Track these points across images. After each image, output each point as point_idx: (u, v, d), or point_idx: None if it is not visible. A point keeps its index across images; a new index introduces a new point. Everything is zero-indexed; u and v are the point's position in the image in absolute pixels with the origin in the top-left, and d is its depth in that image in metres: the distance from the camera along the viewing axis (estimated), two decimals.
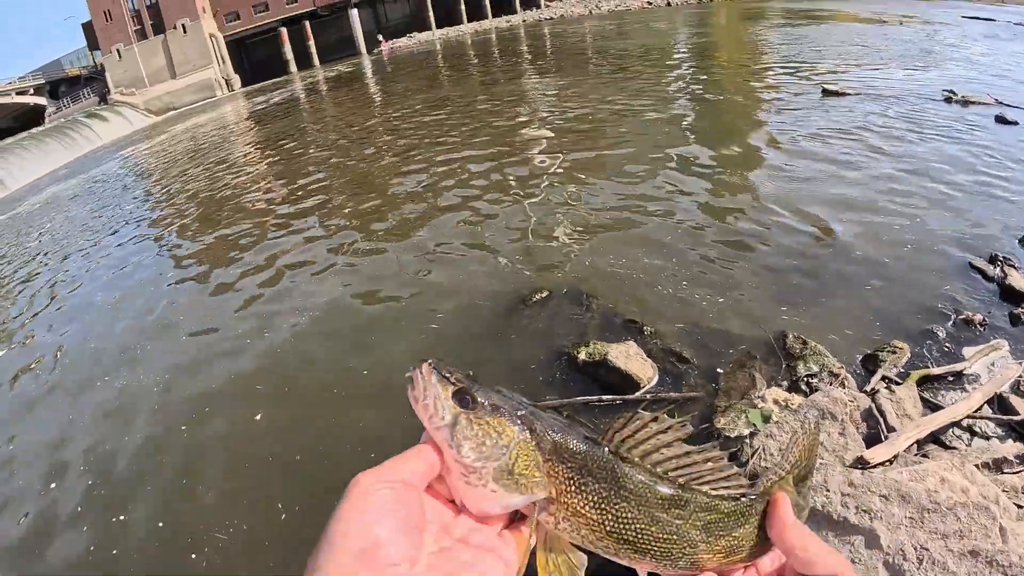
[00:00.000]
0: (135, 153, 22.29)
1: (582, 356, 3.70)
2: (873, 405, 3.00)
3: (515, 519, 0.60)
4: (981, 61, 11.17)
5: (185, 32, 49.06)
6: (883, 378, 3.25)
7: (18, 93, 49.01)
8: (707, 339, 3.78)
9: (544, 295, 4.53)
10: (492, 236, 5.80)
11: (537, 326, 4.23)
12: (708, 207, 5.64)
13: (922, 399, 3.11)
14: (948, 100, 8.50)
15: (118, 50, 50.07)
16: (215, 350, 4.97)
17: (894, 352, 3.41)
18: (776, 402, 3.23)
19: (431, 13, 53.78)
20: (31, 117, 47.23)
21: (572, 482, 0.60)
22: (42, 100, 49.45)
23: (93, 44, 53.70)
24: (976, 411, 2.94)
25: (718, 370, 3.53)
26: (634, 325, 4.00)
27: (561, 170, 7.16)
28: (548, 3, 56.00)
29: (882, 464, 2.67)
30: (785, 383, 3.37)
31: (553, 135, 8.76)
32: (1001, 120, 7.13)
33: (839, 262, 4.39)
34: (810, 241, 4.73)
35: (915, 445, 2.81)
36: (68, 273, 8.66)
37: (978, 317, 3.61)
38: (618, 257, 4.90)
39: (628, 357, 3.58)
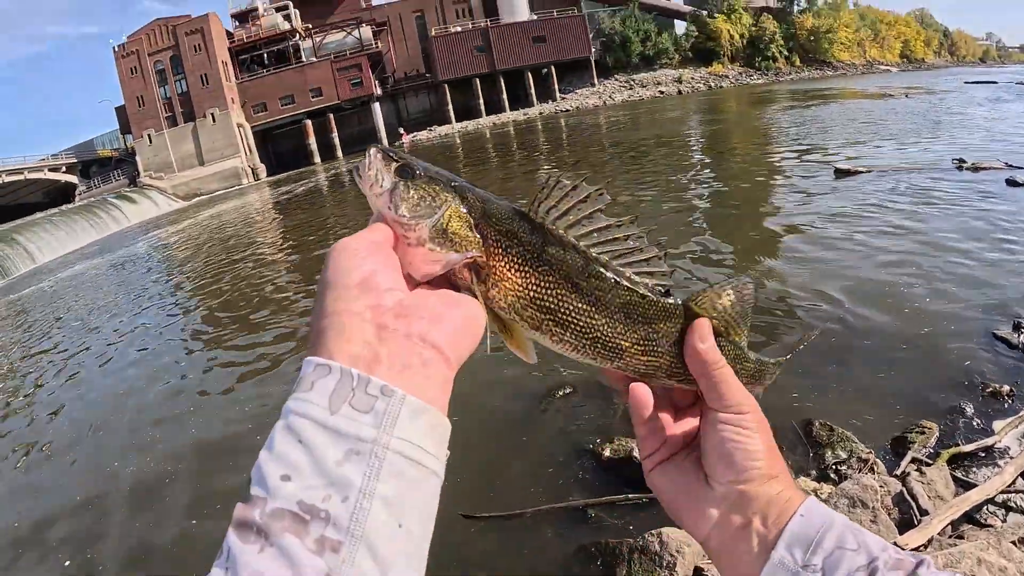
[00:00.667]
0: (161, 236, 23.16)
1: (607, 453, 3.71)
2: (904, 489, 2.94)
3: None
4: (988, 125, 11.37)
5: (214, 121, 51.56)
6: (913, 460, 3.20)
7: (51, 170, 51.81)
8: None
9: (568, 391, 4.59)
10: None
11: (560, 423, 4.26)
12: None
13: (954, 478, 3.04)
14: (959, 168, 8.64)
15: (149, 135, 52.65)
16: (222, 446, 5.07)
17: (922, 432, 3.36)
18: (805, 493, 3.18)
19: (450, 107, 56.50)
20: (62, 194, 49.77)
21: (499, 245, 0.63)
22: (73, 178, 52.28)
23: (125, 128, 56.22)
24: (1010, 485, 2.87)
25: None
26: None
27: None
28: (563, 96, 58.69)
29: (916, 549, 2.60)
30: (813, 472, 3.33)
31: None
32: (1012, 183, 7.21)
33: (861, 342, 4.39)
34: (830, 322, 4.75)
35: (949, 526, 2.74)
36: (88, 350, 9.07)
37: (1005, 388, 3.56)
38: None
39: None
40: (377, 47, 58.49)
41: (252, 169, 51.76)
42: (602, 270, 0.65)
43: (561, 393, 4.58)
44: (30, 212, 38.66)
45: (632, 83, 60.55)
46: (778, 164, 11.41)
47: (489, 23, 58.13)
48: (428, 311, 0.53)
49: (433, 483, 0.48)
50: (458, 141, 37.95)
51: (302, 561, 0.40)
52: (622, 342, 0.65)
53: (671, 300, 0.68)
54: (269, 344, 7.32)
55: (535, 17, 59.69)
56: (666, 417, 0.71)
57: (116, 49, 54.11)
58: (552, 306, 0.63)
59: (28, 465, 5.76)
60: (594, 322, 0.64)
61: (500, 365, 5.29)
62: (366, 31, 58.30)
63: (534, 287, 0.63)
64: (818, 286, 5.43)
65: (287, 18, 58.09)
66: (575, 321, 0.64)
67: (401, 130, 52.66)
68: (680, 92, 57.18)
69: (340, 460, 0.44)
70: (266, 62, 57.47)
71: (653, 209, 9.21)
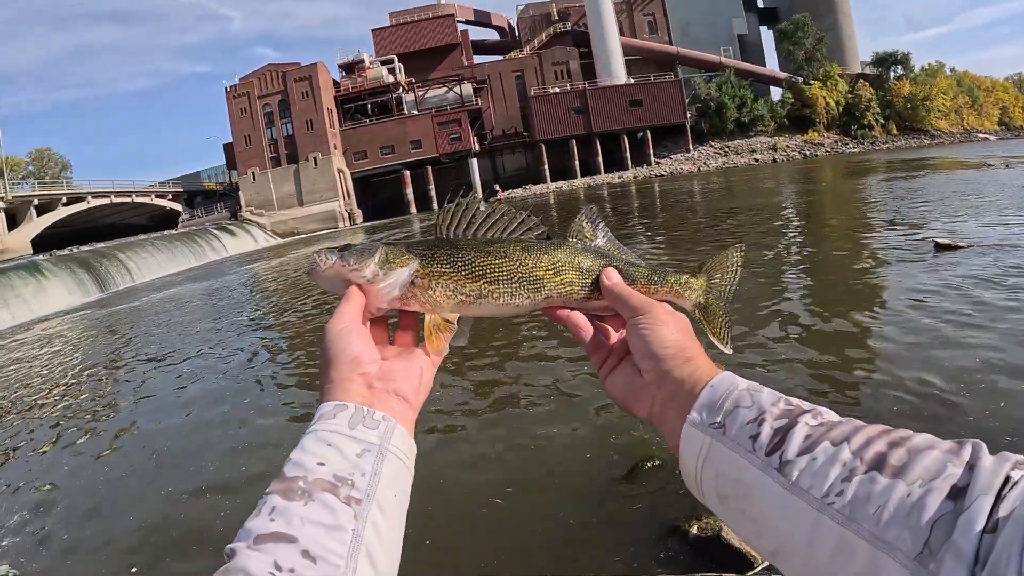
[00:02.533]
0: (257, 270, 24.13)
1: (694, 531, 3.68)
2: None
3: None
4: None
5: (316, 165, 54.00)
6: None
7: (158, 196, 55.65)
8: None
9: (656, 463, 4.58)
10: (586, 397, 5.95)
11: (644, 498, 4.24)
12: (820, 375, 5.58)
13: None
14: None
15: (253, 173, 55.54)
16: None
17: None
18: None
19: (546, 166, 57.36)
20: (166, 220, 53.06)
21: (428, 256, 0.84)
22: (178, 206, 55.77)
23: (231, 163, 59.61)
24: None
25: None
26: None
27: None
28: (658, 160, 58.75)
29: None
30: None
31: None
32: None
33: (966, 433, 4.16)
34: (932, 409, 4.55)
35: None
36: (174, 367, 9.77)
37: None
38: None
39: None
40: (477, 104, 60.72)
41: (349, 213, 53.76)
42: (501, 238, 0.88)
43: (648, 465, 4.57)
44: (134, 234, 41.18)
45: (727, 149, 60.19)
46: (876, 237, 11.03)
47: (587, 86, 59.48)
48: (398, 373, 0.77)
49: (409, 476, 0.70)
50: (552, 200, 38.47)
51: (337, 508, 0.61)
52: (538, 273, 0.86)
53: (562, 240, 0.91)
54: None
55: (632, 81, 60.55)
56: (604, 335, 0.90)
57: (228, 90, 58.33)
58: (480, 272, 0.84)
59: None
60: (513, 267, 0.85)
61: (585, 432, 5.34)
62: (467, 88, 60.75)
63: (464, 268, 0.84)
64: (918, 370, 5.20)
65: (392, 71, 61.30)
66: (500, 275, 0.84)
67: (496, 187, 53.69)
68: (775, 160, 56.25)
69: (359, 453, 0.66)
70: (369, 112, 60.64)
71: (745, 279, 9.06)
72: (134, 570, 4.44)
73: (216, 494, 5.40)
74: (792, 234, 12.57)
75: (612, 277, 0.89)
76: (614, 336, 0.90)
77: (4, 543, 5.44)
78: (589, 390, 6.16)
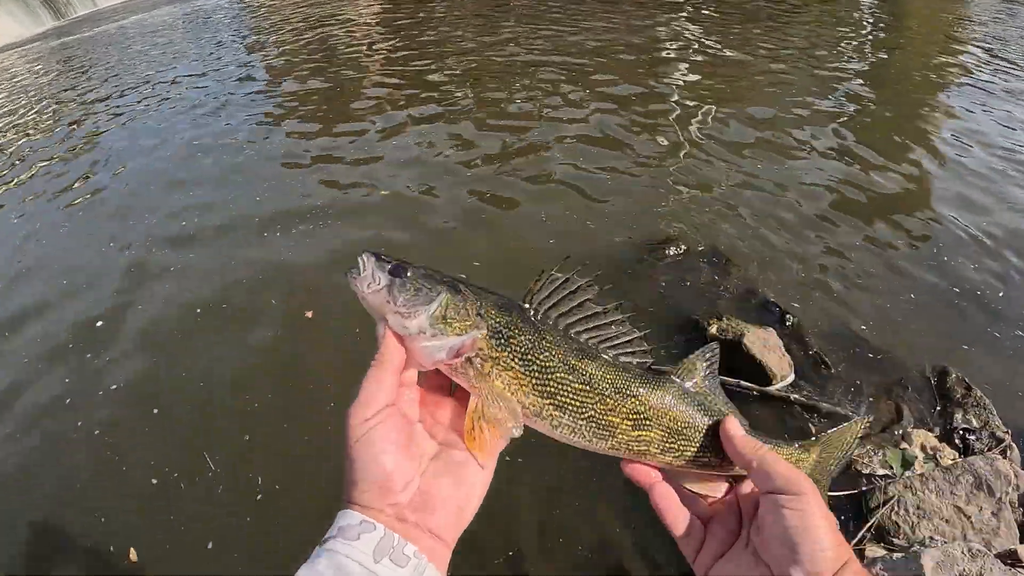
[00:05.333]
0: None
1: (713, 330, 3.41)
2: None
3: None
4: None
5: None
6: None
7: None
8: (855, 351, 3.40)
9: (680, 250, 4.17)
10: (627, 169, 5.35)
11: (666, 282, 3.92)
12: (877, 205, 4.89)
13: None
14: None
15: None
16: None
17: None
18: (923, 448, 2.88)
19: None
20: None
21: (500, 336, 0.69)
22: None
23: None
24: None
25: (861, 386, 3.18)
26: (775, 309, 3.64)
27: (707, 120, 6.43)
28: None
29: None
30: (937, 430, 3.01)
31: (698, 79, 7.85)
32: None
33: None
34: (998, 268, 4.11)
35: None
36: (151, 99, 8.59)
37: None
38: (768, 232, 4.44)
39: (766, 346, 3.26)
40: None
41: None
42: (594, 353, 0.73)
43: (672, 251, 4.17)
44: None
45: None
46: (966, 59, 9.50)
47: None
48: (438, 502, 0.66)
49: None
50: None
51: None
52: (613, 418, 0.71)
53: (651, 374, 0.75)
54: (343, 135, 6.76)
55: None
56: (697, 513, 0.74)
57: None
58: (553, 389, 0.69)
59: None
60: (587, 401, 0.70)
61: (607, 207, 4.85)
62: None
63: (536, 375, 0.69)
64: (990, 222, 4.63)
65: None
66: (572, 402, 0.70)
67: None
68: None
69: None
70: None
71: (803, 75, 7.87)
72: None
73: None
74: (865, 32, 10.75)
75: (736, 430, 0.72)
76: (710, 519, 0.75)
77: None
78: (605, 174, 5.53)
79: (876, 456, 2.86)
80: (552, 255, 4.18)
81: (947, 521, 2.51)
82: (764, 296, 3.76)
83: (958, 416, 3.05)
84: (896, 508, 2.61)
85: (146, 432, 3.15)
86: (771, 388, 3.13)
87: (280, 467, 2.88)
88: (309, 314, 3.80)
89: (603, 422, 0.71)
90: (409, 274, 0.70)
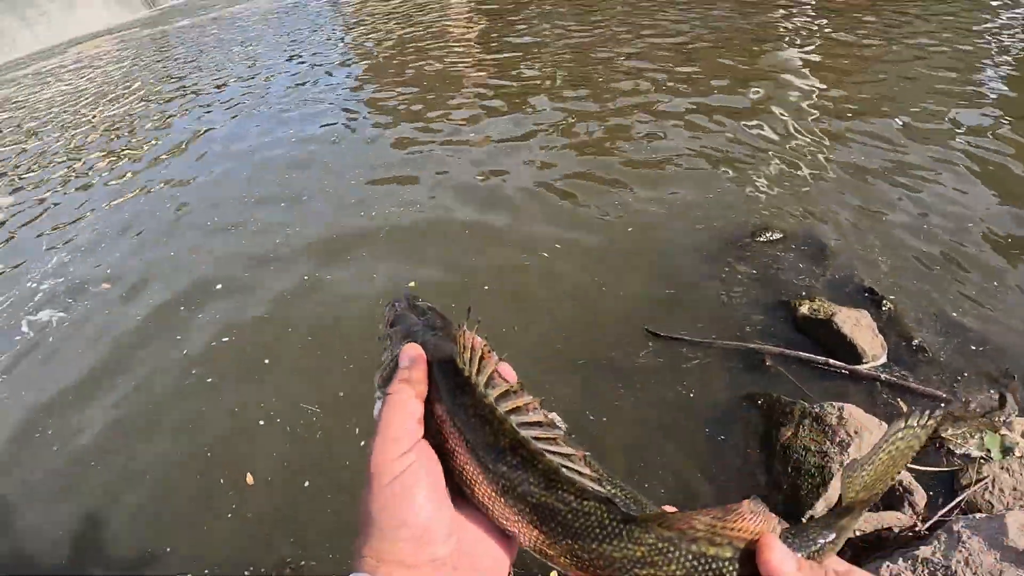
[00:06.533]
0: None
1: (804, 310, 3.44)
2: None
3: None
4: None
5: None
6: None
7: None
8: (955, 337, 3.32)
9: (777, 236, 4.20)
10: (729, 155, 5.38)
11: (759, 265, 3.96)
12: (993, 193, 4.67)
13: None
14: None
15: None
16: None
17: None
18: None
19: None
20: None
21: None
22: None
23: None
24: None
25: (958, 376, 3.12)
26: (871, 295, 3.62)
27: (818, 105, 6.31)
28: None
29: None
30: None
31: (812, 64, 7.65)
32: None
33: None
34: None
35: None
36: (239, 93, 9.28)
37: None
38: (869, 219, 4.36)
39: (857, 325, 3.26)
40: None
41: None
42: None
43: (767, 237, 4.20)
44: None
45: None
46: None
47: None
48: (478, 552, 0.56)
49: None
50: None
51: None
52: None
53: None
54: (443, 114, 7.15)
55: None
56: None
57: None
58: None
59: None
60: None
61: (707, 192, 4.92)
62: None
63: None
64: None
65: None
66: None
67: None
68: None
69: None
70: None
71: (927, 61, 7.46)
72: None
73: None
74: (1012, 23, 9.94)
75: (777, 551, 0.51)
76: None
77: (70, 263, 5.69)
78: (704, 156, 5.57)
79: (972, 439, 2.83)
80: (641, 245, 4.35)
81: None
82: (860, 283, 3.73)
83: None
84: (991, 488, 2.59)
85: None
86: (861, 367, 3.13)
87: None
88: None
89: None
90: (392, 329, 0.67)
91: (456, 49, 10.01)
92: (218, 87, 10.03)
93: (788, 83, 6.88)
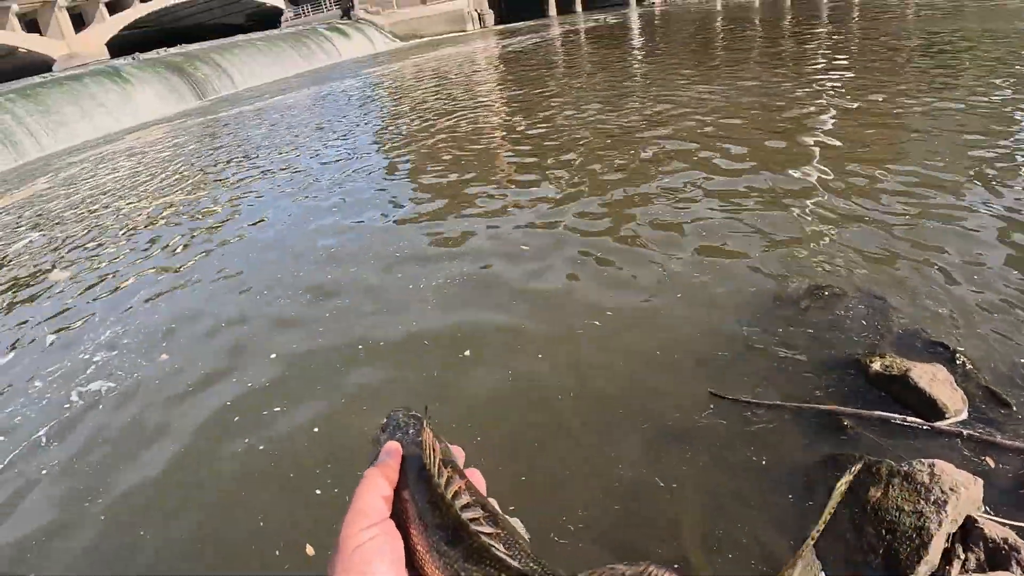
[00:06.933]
0: (375, 75, 22.07)
1: (876, 367, 3.33)
2: None
3: None
4: None
5: None
6: None
7: None
8: None
9: (835, 291, 4.14)
10: (768, 218, 5.41)
11: (821, 324, 3.88)
12: None
13: None
14: None
15: None
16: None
17: None
18: None
19: None
20: (266, 19, 46.25)
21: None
22: (280, 3, 48.10)
23: None
24: None
25: None
26: (942, 349, 3.49)
27: (838, 166, 6.34)
28: None
29: None
30: None
31: (834, 125, 7.76)
32: None
33: None
34: None
35: None
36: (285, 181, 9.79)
37: None
38: (927, 269, 4.29)
39: (934, 380, 3.14)
40: None
41: (479, 14, 45.36)
42: None
43: (827, 293, 4.14)
44: (227, 35, 35.83)
45: None
46: None
47: None
48: None
49: None
50: (719, 7, 33.05)
51: None
52: None
53: None
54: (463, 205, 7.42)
55: None
56: None
57: None
58: None
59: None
60: None
61: (756, 255, 4.92)
62: None
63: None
64: None
65: None
66: None
67: None
68: None
69: None
70: None
71: (952, 124, 7.49)
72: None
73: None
74: None
75: None
76: None
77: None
78: (758, 218, 5.61)
79: None
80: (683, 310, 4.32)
81: None
82: (928, 336, 3.62)
83: None
84: None
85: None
86: (941, 423, 2.99)
87: None
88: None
89: None
90: (383, 434, 0.77)
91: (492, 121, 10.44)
92: (266, 171, 10.60)
93: (825, 135, 6.98)
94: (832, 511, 0.89)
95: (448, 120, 12.35)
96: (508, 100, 13.42)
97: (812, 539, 1.04)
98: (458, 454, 0.75)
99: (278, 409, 4.07)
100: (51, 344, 5.73)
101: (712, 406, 3.32)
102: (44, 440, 4.30)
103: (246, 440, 3.84)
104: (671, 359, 3.81)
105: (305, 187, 9.20)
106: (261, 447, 3.76)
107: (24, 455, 4.18)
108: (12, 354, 5.71)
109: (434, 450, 0.69)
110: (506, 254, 5.68)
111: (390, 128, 12.62)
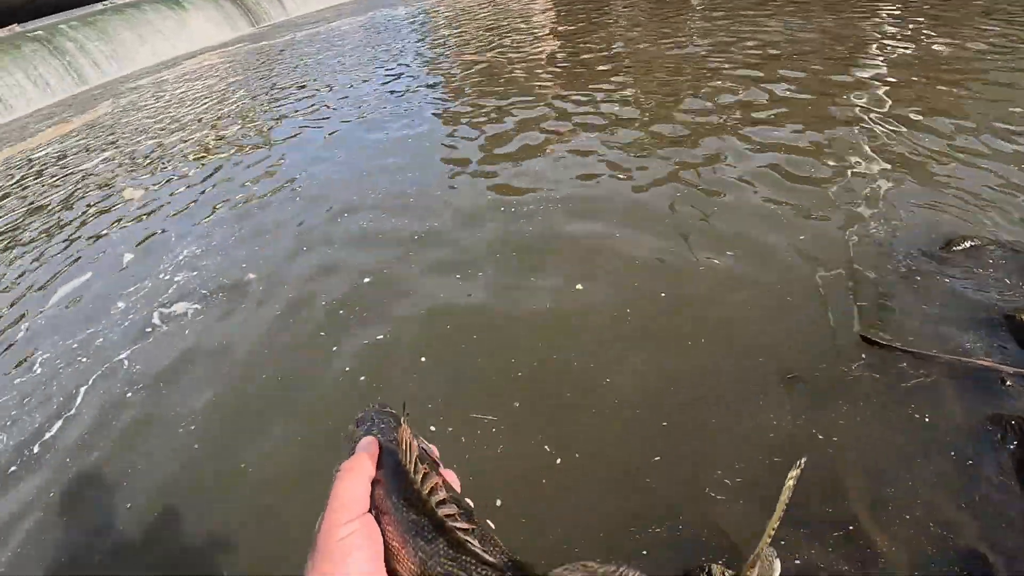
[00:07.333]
0: (433, 2, 21.14)
1: None
2: None
3: None
4: None
5: None
6: None
7: None
8: None
9: (975, 243, 3.83)
10: (903, 153, 5.02)
11: (962, 274, 3.62)
12: None
13: None
14: None
15: None
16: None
17: None
18: None
19: None
20: None
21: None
22: None
23: None
24: None
25: None
26: None
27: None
28: None
29: None
30: None
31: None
32: None
33: None
34: None
35: None
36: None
37: None
38: None
39: None
40: None
41: None
42: None
43: (967, 244, 3.84)
44: None
45: None
46: None
47: None
48: None
49: None
50: None
51: None
52: None
53: None
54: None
55: None
56: None
57: None
58: None
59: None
60: None
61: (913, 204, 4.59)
62: None
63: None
64: None
65: None
66: None
67: None
68: None
69: None
70: None
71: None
72: None
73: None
74: None
75: None
76: None
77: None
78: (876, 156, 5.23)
79: None
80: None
81: None
82: None
83: None
84: None
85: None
86: None
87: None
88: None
89: None
90: (358, 429, 0.80)
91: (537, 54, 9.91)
92: (324, 98, 10.36)
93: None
94: (785, 505, 1.10)
95: (500, 40, 11.82)
96: (572, 32, 12.65)
97: (768, 536, 1.22)
98: (433, 453, 0.77)
99: (380, 337, 3.94)
100: (127, 264, 5.69)
101: (863, 355, 3.10)
102: (126, 363, 4.28)
103: (346, 368, 3.74)
104: (811, 305, 3.58)
105: (371, 111, 8.92)
106: (362, 378, 3.66)
107: (106, 375, 4.17)
108: (90, 273, 5.69)
109: (411, 447, 0.70)
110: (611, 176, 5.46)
111: (449, 55, 12.08)
